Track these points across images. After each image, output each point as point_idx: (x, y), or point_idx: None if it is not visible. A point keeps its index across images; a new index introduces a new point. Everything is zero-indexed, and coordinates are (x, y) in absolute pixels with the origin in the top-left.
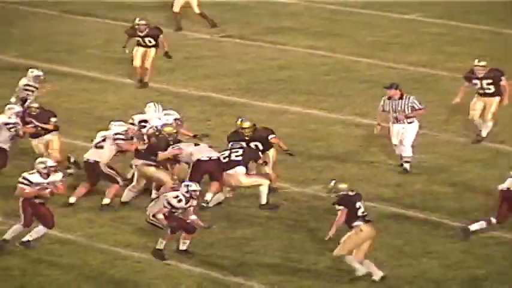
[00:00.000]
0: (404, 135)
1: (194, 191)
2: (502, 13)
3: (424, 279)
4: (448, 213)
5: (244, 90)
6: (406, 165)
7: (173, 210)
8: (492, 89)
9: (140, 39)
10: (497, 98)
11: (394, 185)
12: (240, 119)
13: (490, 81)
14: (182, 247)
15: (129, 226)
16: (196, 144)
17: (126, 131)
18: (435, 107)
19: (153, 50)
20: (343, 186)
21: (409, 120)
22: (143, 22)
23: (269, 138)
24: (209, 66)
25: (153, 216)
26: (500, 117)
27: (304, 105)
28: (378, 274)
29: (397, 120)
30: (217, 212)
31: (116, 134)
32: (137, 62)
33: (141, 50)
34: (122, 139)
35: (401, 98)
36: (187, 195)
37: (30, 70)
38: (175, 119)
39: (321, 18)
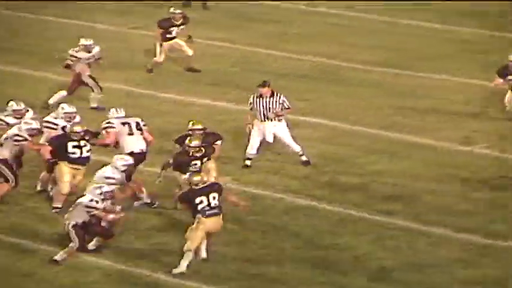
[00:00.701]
0: (281, 134)
1: (107, 192)
2: (400, 4)
3: (333, 271)
4: (356, 204)
5: (150, 82)
6: (304, 158)
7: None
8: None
9: (176, 28)
10: None
11: (302, 176)
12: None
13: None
14: (92, 247)
15: (37, 216)
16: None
17: (33, 129)
18: (338, 97)
19: (178, 41)
20: (196, 178)
21: (279, 118)
22: (178, 11)
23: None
24: (115, 58)
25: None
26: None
27: (211, 97)
28: (200, 255)
29: (267, 118)
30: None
31: (15, 134)
32: (162, 58)
33: (168, 45)
34: (20, 139)
35: (272, 96)
36: (102, 196)
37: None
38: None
39: (225, 11)
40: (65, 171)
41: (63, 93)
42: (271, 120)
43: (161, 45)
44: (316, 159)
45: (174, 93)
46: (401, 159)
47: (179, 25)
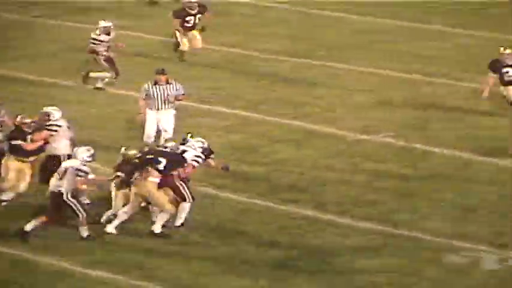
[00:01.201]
0: (167, 121)
1: (93, 154)
2: None
3: (239, 260)
4: (259, 193)
5: (55, 72)
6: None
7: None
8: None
9: (192, 17)
10: None
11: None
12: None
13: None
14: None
15: None
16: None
17: None
18: (247, 88)
19: (195, 32)
20: (131, 152)
21: (172, 106)
22: (194, 0)
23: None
24: (19, 48)
25: (72, 196)
26: (306, 98)
27: (115, 85)
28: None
29: (163, 106)
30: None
31: None
32: (186, 47)
33: (185, 34)
34: None
35: (168, 83)
36: (90, 159)
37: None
38: None
39: None
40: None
41: (107, 74)
42: (166, 107)
43: (182, 33)
44: (221, 148)
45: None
46: (307, 149)
47: (195, 14)
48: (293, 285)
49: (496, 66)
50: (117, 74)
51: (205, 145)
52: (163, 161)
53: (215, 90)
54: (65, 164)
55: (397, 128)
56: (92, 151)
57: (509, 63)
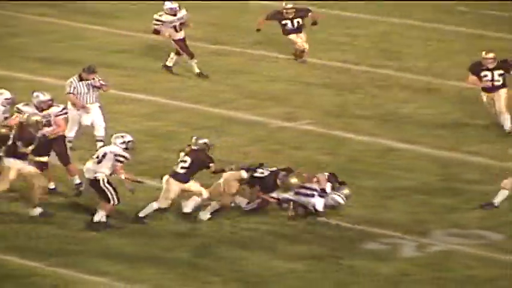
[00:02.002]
0: (97, 116)
1: (130, 141)
2: None
3: (156, 246)
4: None
5: None
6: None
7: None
8: (501, 80)
9: (288, 22)
10: (505, 90)
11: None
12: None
13: (501, 72)
14: (98, 217)
15: None
16: None
17: None
18: (167, 75)
19: (301, 35)
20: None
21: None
22: (291, 5)
23: None
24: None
25: (108, 182)
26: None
27: (35, 72)
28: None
29: (90, 100)
30: None
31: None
32: (299, 42)
33: (295, 35)
34: None
35: (94, 77)
36: (124, 146)
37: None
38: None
39: None
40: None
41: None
42: (92, 102)
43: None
44: (141, 135)
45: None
46: (226, 136)
47: (292, 18)
48: (213, 272)
49: (475, 69)
50: (190, 56)
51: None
52: None
53: (134, 78)
54: (104, 149)
55: (317, 115)
56: (127, 138)
57: (490, 67)
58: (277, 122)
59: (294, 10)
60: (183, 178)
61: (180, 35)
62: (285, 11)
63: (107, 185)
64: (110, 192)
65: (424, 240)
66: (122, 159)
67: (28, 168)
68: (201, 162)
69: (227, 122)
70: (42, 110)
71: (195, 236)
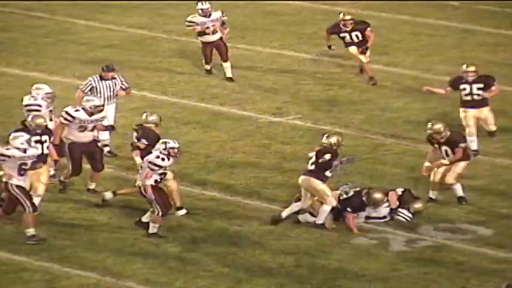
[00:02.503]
0: (110, 117)
1: (172, 148)
2: None
3: (144, 241)
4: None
5: None
6: (107, 149)
7: (160, 172)
8: (481, 95)
9: (347, 34)
10: (488, 108)
11: (113, 146)
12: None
13: (481, 85)
14: (150, 229)
15: None
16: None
17: None
18: (154, 69)
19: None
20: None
21: (115, 100)
22: (349, 17)
23: None
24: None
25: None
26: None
27: (23, 67)
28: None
29: (109, 101)
30: None
31: None
32: (363, 59)
33: (356, 49)
34: None
35: (114, 78)
36: (166, 152)
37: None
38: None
39: None
40: None
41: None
42: (111, 103)
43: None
44: (128, 129)
45: None
46: (214, 131)
47: (350, 31)
48: (202, 267)
49: (455, 83)
50: (206, 61)
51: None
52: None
53: (122, 73)
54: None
55: (306, 109)
56: (169, 145)
57: (470, 80)
58: (265, 116)
59: (353, 22)
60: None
61: (214, 37)
62: (342, 22)
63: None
64: (154, 201)
65: (413, 235)
66: (153, 166)
67: None
68: None
69: (215, 117)
70: (92, 115)
71: (183, 231)
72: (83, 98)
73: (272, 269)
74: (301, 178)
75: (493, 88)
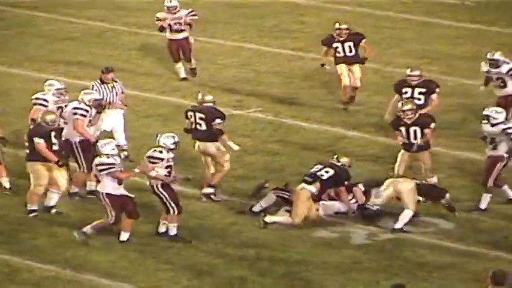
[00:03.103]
0: (118, 121)
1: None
2: None
3: (104, 235)
4: (128, 167)
5: None
6: (125, 153)
7: (165, 165)
8: (422, 99)
9: (339, 45)
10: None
11: None
12: None
13: (423, 90)
14: (170, 231)
15: None
16: None
17: None
18: (114, 61)
19: (356, 67)
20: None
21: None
22: (345, 26)
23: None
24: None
25: (160, 186)
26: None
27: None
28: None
29: (110, 105)
30: None
31: None
32: (347, 81)
33: (345, 67)
34: None
35: (115, 80)
36: (173, 146)
37: None
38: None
39: None
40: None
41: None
42: (113, 108)
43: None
44: None
45: None
46: (175, 124)
47: (343, 41)
48: (163, 260)
49: (399, 87)
50: (173, 60)
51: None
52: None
53: (82, 65)
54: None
55: (267, 102)
56: (176, 139)
57: (413, 84)
58: (226, 109)
59: (348, 32)
60: None
61: (179, 35)
62: (337, 31)
63: (161, 189)
64: (166, 198)
65: (375, 228)
66: (153, 160)
67: None
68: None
69: (176, 110)
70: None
71: (144, 224)
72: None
73: (233, 262)
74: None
75: (434, 96)
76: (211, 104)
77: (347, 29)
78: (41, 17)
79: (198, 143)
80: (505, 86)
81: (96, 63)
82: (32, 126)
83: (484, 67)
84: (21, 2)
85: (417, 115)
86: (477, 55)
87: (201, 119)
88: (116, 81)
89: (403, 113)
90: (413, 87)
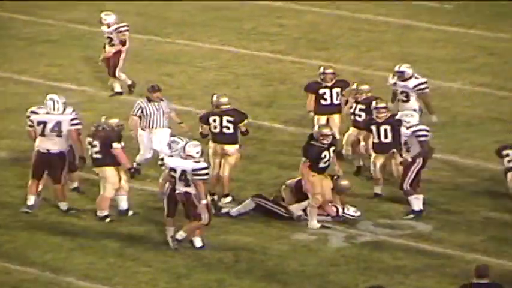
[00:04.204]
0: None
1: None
2: None
3: (83, 236)
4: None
5: None
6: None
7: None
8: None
9: (327, 91)
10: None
11: None
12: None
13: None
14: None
15: None
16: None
17: None
18: (94, 64)
19: (336, 116)
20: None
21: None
22: (330, 70)
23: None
24: None
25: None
26: None
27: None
28: None
29: (161, 124)
30: None
31: None
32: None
33: (323, 119)
34: None
35: (161, 99)
36: (199, 155)
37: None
38: None
39: None
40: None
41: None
42: (162, 126)
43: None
44: None
45: None
46: None
47: (331, 87)
48: (141, 263)
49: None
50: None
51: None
52: None
53: (62, 68)
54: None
55: (245, 105)
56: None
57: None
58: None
59: (333, 77)
60: None
61: (110, 49)
62: (322, 76)
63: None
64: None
65: (352, 230)
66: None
67: None
68: None
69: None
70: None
71: (122, 227)
72: (136, 122)
73: (211, 265)
74: None
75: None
76: (229, 106)
77: (333, 73)
78: (20, 19)
79: (218, 146)
80: (407, 100)
81: (75, 65)
82: (102, 132)
83: (391, 79)
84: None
85: (388, 114)
86: (456, 58)
87: (228, 121)
88: (163, 100)
89: (376, 111)
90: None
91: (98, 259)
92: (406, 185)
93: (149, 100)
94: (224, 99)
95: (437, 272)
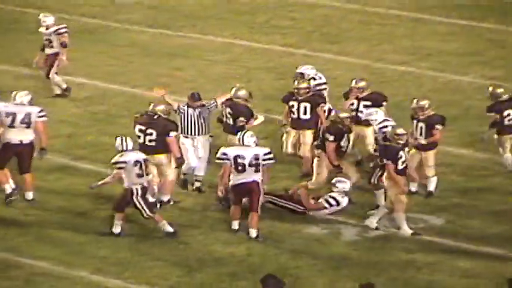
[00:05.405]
0: (206, 150)
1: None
2: None
3: (95, 231)
4: None
5: None
6: (197, 184)
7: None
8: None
9: (295, 103)
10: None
11: (65, 135)
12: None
13: (368, 103)
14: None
15: None
16: None
17: None
18: (106, 58)
19: (308, 133)
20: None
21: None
22: (304, 85)
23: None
24: None
25: None
26: None
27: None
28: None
29: (200, 132)
30: None
31: None
32: (289, 149)
33: (293, 134)
34: None
35: (203, 105)
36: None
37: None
38: None
39: None
40: None
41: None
42: (200, 134)
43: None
44: (82, 119)
45: None
46: None
47: (300, 101)
48: (153, 257)
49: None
50: (46, 75)
51: None
52: None
53: (75, 61)
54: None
55: (257, 99)
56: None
57: (359, 96)
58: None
59: (307, 92)
60: None
61: (49, 50)
62: (296, 90)
63: None
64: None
65: (365, 225)
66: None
67: None
68: None
69: None
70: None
71: (135, 221)
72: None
73: (223, 259)
74: None
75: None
76: (241, 100)
77: (307, 88)
78: (32, 13)
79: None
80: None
81: (88, 59)
82: (159, 120)
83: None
84: None
85: (431, 113)
86: (468, 51)
87: (229, 114)
88: (204, 105)
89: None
90: (359, 100)
91: (110, 253)
92: (374, 180)
93: (189, 106)
94: (241, 92)
95: (449, 266)
